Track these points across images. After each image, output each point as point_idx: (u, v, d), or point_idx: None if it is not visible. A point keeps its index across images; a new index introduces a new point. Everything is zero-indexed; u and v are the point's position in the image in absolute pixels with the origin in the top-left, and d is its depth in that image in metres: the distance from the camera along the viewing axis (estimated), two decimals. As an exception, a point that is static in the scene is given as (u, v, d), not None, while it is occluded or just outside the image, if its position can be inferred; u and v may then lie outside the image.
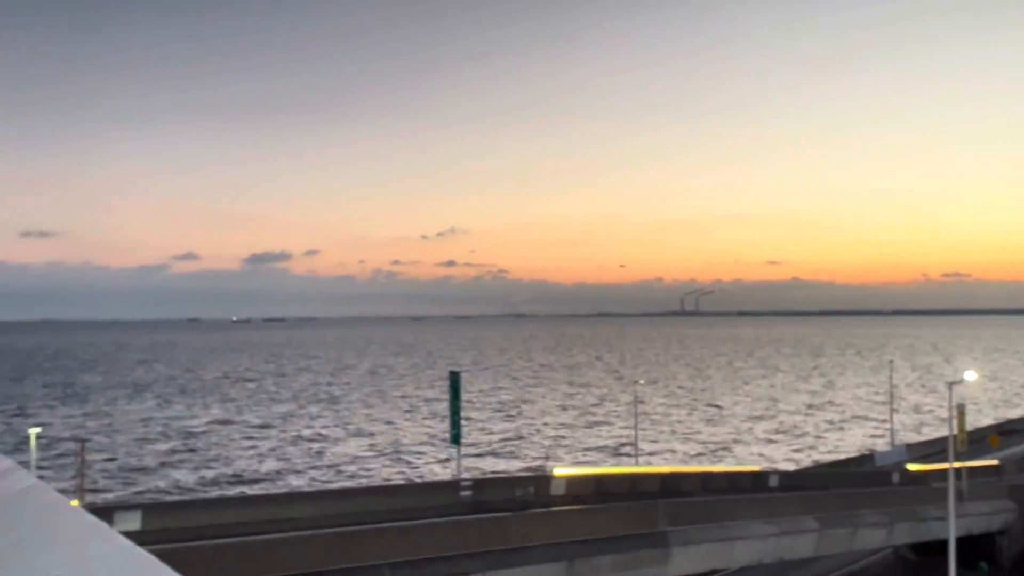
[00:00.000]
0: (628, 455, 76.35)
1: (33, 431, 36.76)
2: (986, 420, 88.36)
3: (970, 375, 31.66)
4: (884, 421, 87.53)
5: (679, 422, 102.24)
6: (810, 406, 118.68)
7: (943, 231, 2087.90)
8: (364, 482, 64.50)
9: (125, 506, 28.21)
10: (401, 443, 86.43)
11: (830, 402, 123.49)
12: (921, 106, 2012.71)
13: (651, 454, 79.78)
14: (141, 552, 1.66)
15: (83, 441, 31.82)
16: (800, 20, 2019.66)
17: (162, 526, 24.81)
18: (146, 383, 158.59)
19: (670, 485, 36.26)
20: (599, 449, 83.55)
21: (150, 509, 26.77)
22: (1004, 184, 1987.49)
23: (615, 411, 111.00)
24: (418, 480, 62.59)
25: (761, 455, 79.73)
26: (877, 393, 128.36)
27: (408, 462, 76.13)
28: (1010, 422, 79.68)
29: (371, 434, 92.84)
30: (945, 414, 78.78)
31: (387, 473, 70.89)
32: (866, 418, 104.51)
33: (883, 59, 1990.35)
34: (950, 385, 32.79)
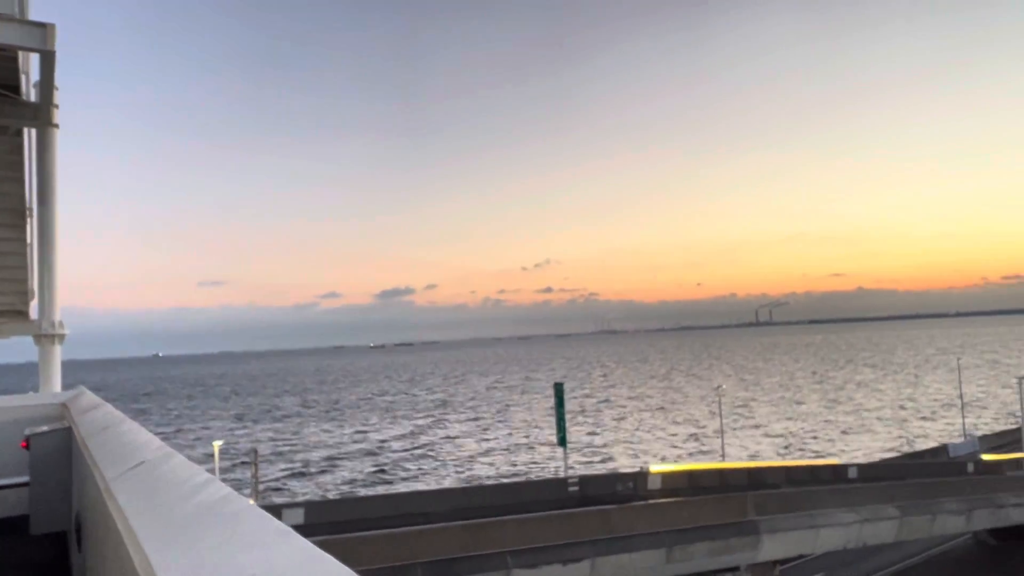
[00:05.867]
0: (715, 452, 73.91)
1: (216, 444, 38.61)
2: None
3: (1038, 370, 29.24)
4: (955, 415, 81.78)
5: (761, 421, 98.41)
6: (882, 403, 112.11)
7: (1001, 236, 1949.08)
8: (486, 481, 64.80)
9: (291, 504, 29.20)
10: (515, 446, 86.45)
11: (901, 398, 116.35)
12: (974, 119, 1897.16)
13: (737, 450, 77.02)
14: (321, 553, 1.66)
15: (256, 451, 33.22)
16: (854, 53, 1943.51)
17: (321, 520, 25.55)
18: (304, 401, 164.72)
19: (756, 478, 34.88)
20: (689, 447, 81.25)
21: (311, 506, 27.61)
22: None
23: (702, 412, 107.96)
24: (532, 478, 62.39)
25: (840, 449, 75.74)
26: (947, 389, 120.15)
27: (522, 462, 76.01)
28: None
29: (490, 439, 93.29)
30: (1014, 407, 72.86)
31: (504, 472, 70.98)
32: (938, 413, 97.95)
33: (937, 78, 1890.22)
34: (1020, 380, 30.32)
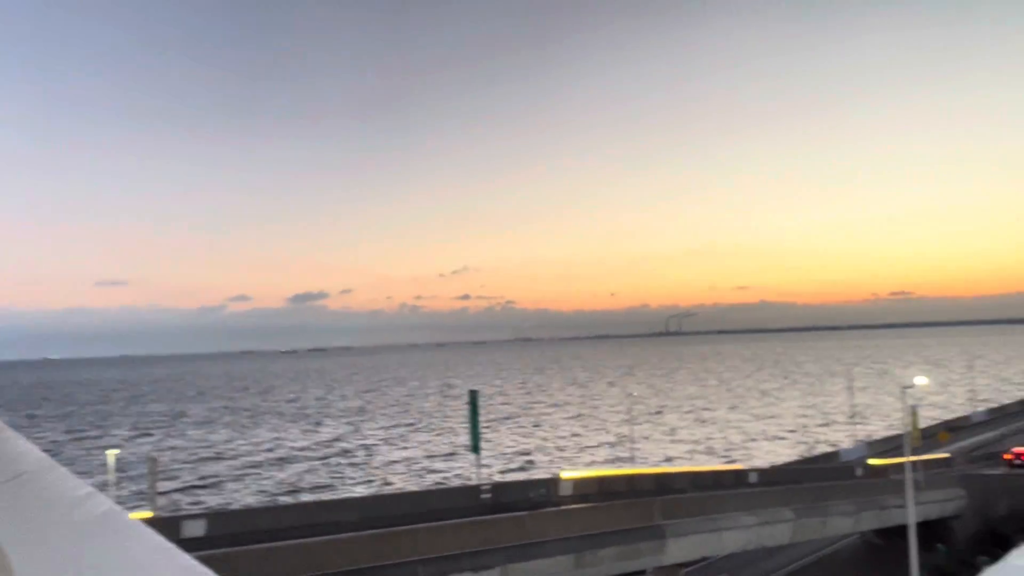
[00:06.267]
0: (626, 458, 75.52)
1: (111, 453, 36.53)
2: (936, 419, 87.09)
3: (920, 380, 31.23)
4: (847, 422, 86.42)
5: (673, 427, 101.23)
6: (782, 410, 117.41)
7: (890, 255, 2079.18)
8: (398, 488, 63.97)
9: (191, 515, 27.99)
10: (432, 453, 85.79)
11: (802, 406, 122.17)
12: (869, 147, 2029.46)
13: (652, 455, 79.05)
14: (203, 570, 1.60)
15: (154, 459, 31.67)
16: (763, 76, 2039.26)
17: (225, 531, 24.58)
18: (211, 408, 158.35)
19: (663, 483, 35.79)
20: (601, 453, 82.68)
21: (214, 517, 26.54)
22: (941, 213, 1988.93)
23: (613, 419, 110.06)
24: (444, 485, 62.01)
25: (745, 454, 78.78)
26: (842, 398, 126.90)
27: (438, 470, 75.49)
28: (956, 420, 78.58)
29: (407, 446, 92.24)
30: (900, 415, 77.63)
31: (418, 480, 70.28)
32: (833, 420, 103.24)
33: (838, 109, 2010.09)
34: (903, 389, 32.28)
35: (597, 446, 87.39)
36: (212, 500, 62.70)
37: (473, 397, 33.05)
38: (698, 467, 56.57)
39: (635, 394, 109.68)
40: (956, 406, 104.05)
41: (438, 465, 77.62)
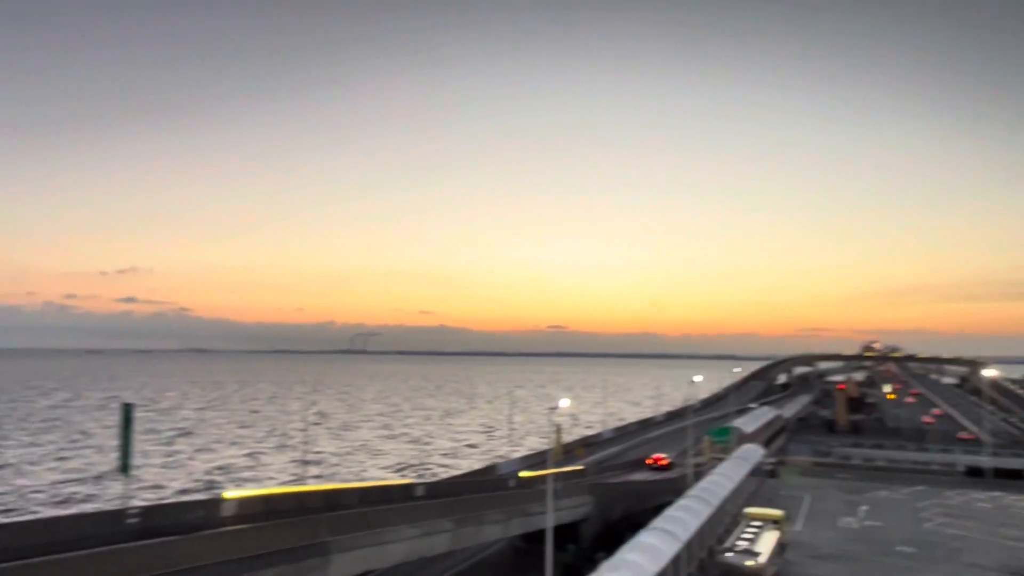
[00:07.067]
0: (310, 475, 73.04)
1: None
2: (577, 436, 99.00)
3: (564, 402, 35.26)
4: (505, 438, 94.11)
5: (357, 443, 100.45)
6: (458, 427, 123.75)
7: (549, 291, 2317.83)
8: (26, 517, 53.86)
9: None
10: (78, 475, 73.99)
11: (471, 423, 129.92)
12: (531, 193, 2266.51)
13: (333, 472, 77.54)
14: None
15: None
16: (433, 123, 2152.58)
17: None
18: None
19: (333, 500, 35.22)
20: (283, 471, 78.87)
21: None
22: (596, 256, 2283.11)
23: (296, 436, 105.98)
24: (81, 511, 53.67)
25: (422, 468, 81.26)
26: (501, 416, 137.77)
27: (84, 494, 65.30)
28: (591, 437, 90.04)
29: (48, 467, 78.32)
30: (549, 432, 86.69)
31: (56, 506, 59.99)
32: (497, 436, 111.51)
33: (518, 151, 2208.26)
34: (550, 410, 36.17)
35: (277, 464, 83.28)
36: None
37: (126, 411, 29.12)
38: (367, 483, 56.87)
39: (313, 411, 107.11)
40: (594, 425, 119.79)
41: (87, 489, 67.39)
